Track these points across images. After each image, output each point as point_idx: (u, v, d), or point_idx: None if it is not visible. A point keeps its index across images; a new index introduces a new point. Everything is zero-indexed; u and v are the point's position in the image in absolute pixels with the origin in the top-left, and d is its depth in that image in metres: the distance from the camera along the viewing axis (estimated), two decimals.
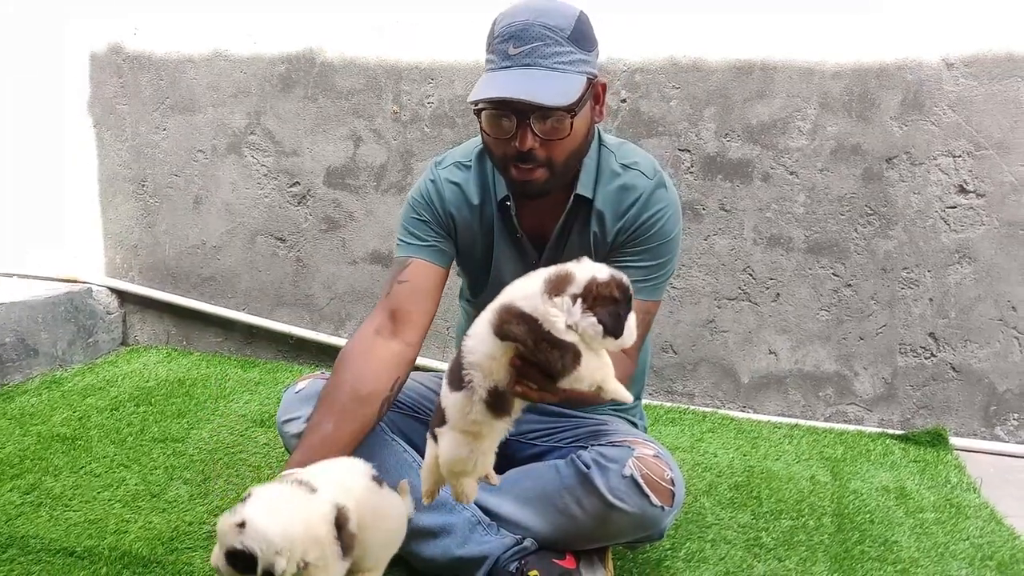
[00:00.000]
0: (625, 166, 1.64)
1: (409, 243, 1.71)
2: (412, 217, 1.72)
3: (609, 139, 1.68)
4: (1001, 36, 2.54)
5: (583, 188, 1.61)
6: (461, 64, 2.90)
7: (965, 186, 2.63)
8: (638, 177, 1.62)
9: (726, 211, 2.81)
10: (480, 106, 1.49)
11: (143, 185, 3.33)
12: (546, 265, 1.66)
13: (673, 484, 1.55)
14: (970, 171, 2.62)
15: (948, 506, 2.19)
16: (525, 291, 1.21)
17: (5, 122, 3.37)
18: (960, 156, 2.62)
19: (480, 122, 1.53)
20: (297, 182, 3.17)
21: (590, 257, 1.62)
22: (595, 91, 1.53)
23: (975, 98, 2.58)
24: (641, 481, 1.52)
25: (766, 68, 2.70)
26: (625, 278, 1.21)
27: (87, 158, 3.35)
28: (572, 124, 1.47)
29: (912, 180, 2.66)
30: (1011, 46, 2.54)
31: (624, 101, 2.82)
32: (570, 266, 1.22)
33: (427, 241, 1.70)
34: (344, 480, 1.40)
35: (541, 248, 1.69)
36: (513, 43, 1.44)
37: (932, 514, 2.14)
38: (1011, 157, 2.58)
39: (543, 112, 1.44)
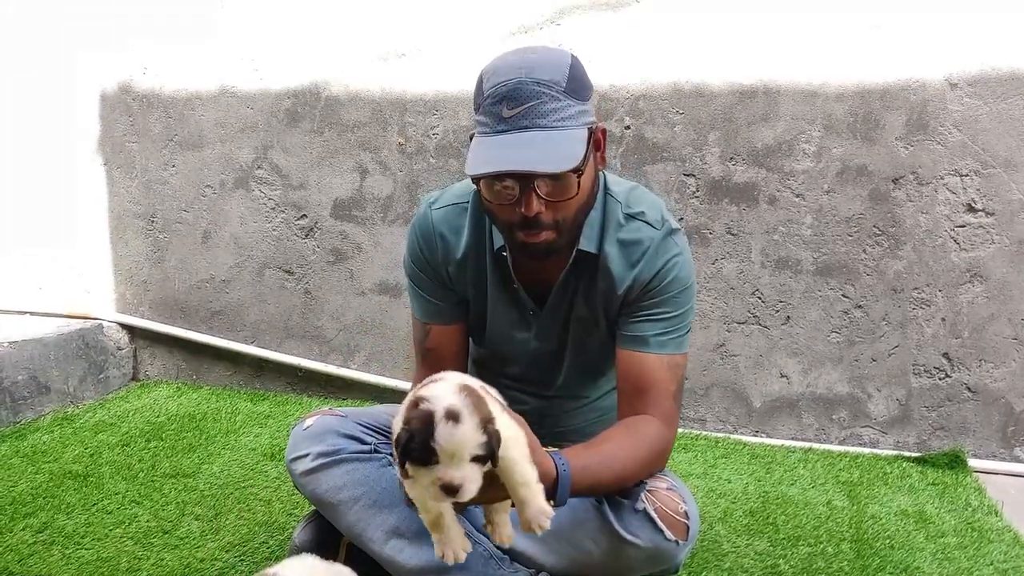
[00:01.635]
0: (630, 216, 1.57)
1: (421, 305, 1.72)
2: (415, 268, 1.70)
3: (615, 186, 1.61)
4: (1004, 55, 2.54)
5: (587, 243, 1.55)
6: (466, 95, 2.93)
7: (973, 205, 2.62)
8: (644, 228, 1.56)
9: (733, 235, 2.80)
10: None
11: (153, 221, 3.35)
12: (546, 319, 1.66)
13: (687, 517, 1.51)
14: (978, 190, 2.61)
15: (970, 530, 2.15)
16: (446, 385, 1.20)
17: (18, 161, 3.41)
18: (967, 175, 2.61)
19: (478, 187, 1.46)
20: (304, 215, 3.19)
21: (602, 314, 1.62)
22: (596, 139, 1.47)
23: (980, 117, 2.58)
24: (654, 515, 1.49)
25: (769, 92, 2.70)
26: (442, 423, 1.11)
27: (98, 196, 3.38)
28: (580, 183, 1.41)
29: (920, 200, 2.65)
30: (1014, 64, 2.54)
31: (628, 128, 2.83)
32: (447, 380, 1.21)
33: (437, 304, 1.70)
34: (299, 564, 1.39)
35: (541, 300, 1.64)
36: (507, 104, 1.36)
37: (954, 539, 2.11)
38: (1019, 175, 2.57)
39: (547, 177, 1.37)
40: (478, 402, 1.15)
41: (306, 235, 3.20)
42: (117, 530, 2.06)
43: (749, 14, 2.67)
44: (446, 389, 1.16)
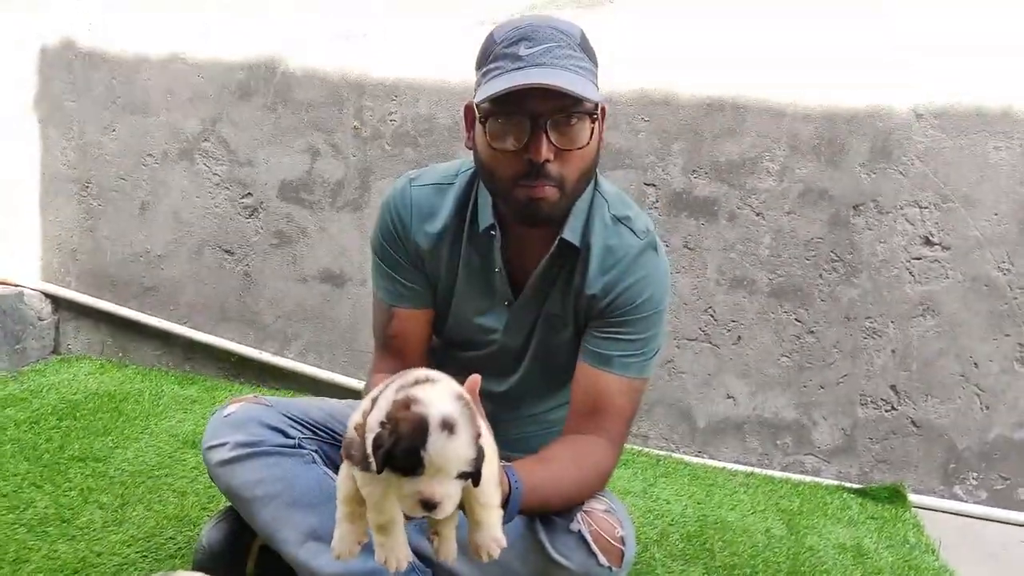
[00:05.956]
0: (616, 219, 1.50)
1: (388, 288, 1.59)
2: (385, 246, 1.58)
3: (605, 185, 1.55)
4: (970, 91, 2.52)
5: (570, 232, 1.46)
6: (426, 83, 2.81)
7: (931, 238, 2.60)
8: (626, 235, 1.49)
9: (690, 249, 2.74)
10: (486, 109, 1.33)
11: (87, 187, 3.16)
12: (519, 311, 1.57)
13: (623, 543, 1.43)
14: (936, 223, 2.59)
15: (907, 568, 2.12)
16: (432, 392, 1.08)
17: None
18: (927, 207, 2.59)
19: (479, 136, 1.37)
20: (250, 193, 3.04)
21: (572, 316, 1.53)
22: (602, 111, 1.41)
23: (943, 150, 2.56)
24: (589, 538, 1.41)
25: (736, 106, 2.65)
26: (436, 432, 1.00)
27: (30, 155, 3.18)
28: (592, 131, 1.35)
29: (879, 228, 2.62)
30: (980, 101, 2.52)
31: None
32: (440, 382, 1.10)
33: (406, 285, 1.58)
34: None
35: (516, 290, 1.55)
36: (525, 44, 1.30)
37: None
38: (976, 211, 2.56)
39: (562, 116, 1.31)
40: (472, 414, 1.06)
41: (250, 215, 3.05)
42: (9, 515, 1.90)
43: (723, 23, 2.61)
44: (442, 394, 1.05)
